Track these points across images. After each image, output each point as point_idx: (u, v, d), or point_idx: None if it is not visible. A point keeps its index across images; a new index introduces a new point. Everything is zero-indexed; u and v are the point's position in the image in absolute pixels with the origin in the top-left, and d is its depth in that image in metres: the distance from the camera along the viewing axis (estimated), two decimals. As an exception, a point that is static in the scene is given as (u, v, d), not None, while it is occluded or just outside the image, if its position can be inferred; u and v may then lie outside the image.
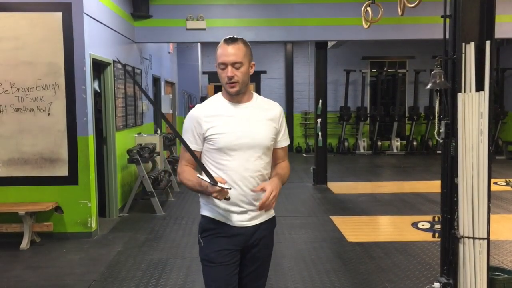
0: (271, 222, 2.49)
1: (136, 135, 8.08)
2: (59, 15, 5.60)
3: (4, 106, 5.64)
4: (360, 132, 14.23)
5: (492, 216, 3.48)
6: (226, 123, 2.32)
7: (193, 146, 2.35)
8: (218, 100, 2.41)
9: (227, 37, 2.33)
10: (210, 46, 14.24)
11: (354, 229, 6.13)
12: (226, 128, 2.31)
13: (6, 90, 5.63)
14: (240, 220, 2.36)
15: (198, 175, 2.25)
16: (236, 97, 2.36)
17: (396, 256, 5.01)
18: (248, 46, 2.34)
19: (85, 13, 5.70)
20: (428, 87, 3.47)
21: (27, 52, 5.61)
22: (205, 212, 2.42)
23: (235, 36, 2.33)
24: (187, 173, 2.38)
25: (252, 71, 2.36)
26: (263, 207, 2.26)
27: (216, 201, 2.30)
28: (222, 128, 2.31)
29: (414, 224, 6.23)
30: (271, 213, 2.48)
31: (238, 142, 2.31)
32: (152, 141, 8.03)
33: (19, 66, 5.62)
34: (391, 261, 4.86)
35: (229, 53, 2.27)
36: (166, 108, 10.68)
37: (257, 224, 2.39)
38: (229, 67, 2.27)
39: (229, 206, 2.33)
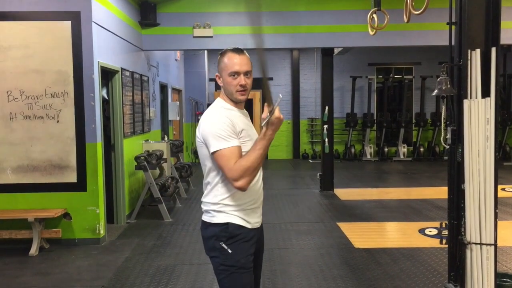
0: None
1: (143, 142, 8.13)
2: (68, 23, 5.67)
3: (14, 114, 5.71)
4: (367, 138, 14.21)
5: (500, 222, 3.48)
6: (247, 128, 2.42)
7: (235, 142, 2.29)
8: (230, 107, 2.42)
9: (234, 48, 2.39)
10: (216, 54, 14.09)
11: (361, 235, 6.13)
12: (249, 132, 2.42)
13: (16, 98, 5.70)
14: (256, 221, 2.44)
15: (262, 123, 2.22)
16: (239, 105, 2.45)
17: (404, 262, 5.00)
18: None
19: (94, 22, 5.77)
20: (434, 93, 3.49)
21: (36, 60, 5.68)
22: (229, 219, 2.39)
23: (240, 48, 2.41)
24: (243, 158, 2.27)
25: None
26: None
27: (242, 202, 2.37)
28: (247, 133, 2.40)
29: (422, 230, 6.22)
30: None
31: None
32: (160, 147, 8.07)
33: (29, 74, 5.70)
34: (398, 268, 4.86)
35: (242, 62, 2.35)
36: (173, 115, 10.74)
37: (261, 225, 2.51)
38: (242, 76, 2.35)
39: (252, 205, 2.41)
